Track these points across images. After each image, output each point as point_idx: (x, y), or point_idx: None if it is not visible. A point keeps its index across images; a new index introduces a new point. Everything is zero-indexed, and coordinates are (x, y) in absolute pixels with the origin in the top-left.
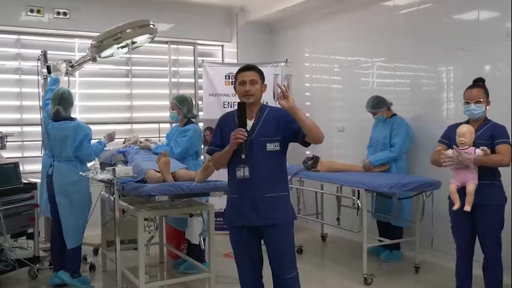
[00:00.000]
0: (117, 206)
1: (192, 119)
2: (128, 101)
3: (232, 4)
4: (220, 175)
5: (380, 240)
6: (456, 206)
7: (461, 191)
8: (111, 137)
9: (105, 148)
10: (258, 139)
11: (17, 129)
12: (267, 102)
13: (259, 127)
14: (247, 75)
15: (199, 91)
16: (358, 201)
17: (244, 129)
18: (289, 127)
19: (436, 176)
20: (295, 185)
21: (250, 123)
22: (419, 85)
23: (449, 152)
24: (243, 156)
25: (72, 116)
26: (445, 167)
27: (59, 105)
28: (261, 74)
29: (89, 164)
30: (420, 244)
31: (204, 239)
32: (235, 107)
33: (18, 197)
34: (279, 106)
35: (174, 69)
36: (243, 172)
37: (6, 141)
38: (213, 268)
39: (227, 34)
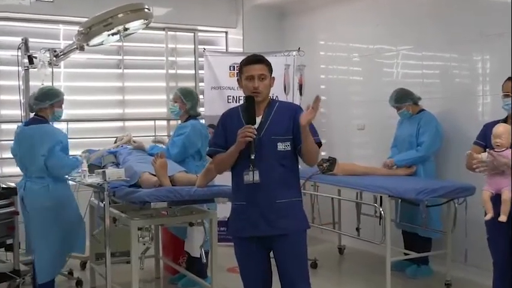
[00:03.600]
0: (107, 214)
1: (195, 117)
2: (120, 95)
3: None
4: (225, 179)
5: (406, 254)
6: (488, 216)
7: (496, 198)
8: (87, 158)
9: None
10: (267, 138)
11: None
12: (277, 97)
13: (268, 124)
14: (255, 69)
15: (200, 84)
16: (381, 209)
17: (253, 127)
18: (294, 128)
19: (469, 181)
20: (309, 190)
21: (258, 120)
22: (450, 76)
23: (484, 155)
24: (252, 157)
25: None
26: (478, 172)
27: (34, 99)
28: (269, 67)
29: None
30: (452, 258)
31: (205, 252)
32: (241, 102)
33: None
34: (290, 101)
35: (172, 59)
36: (252, 176)
37: None
38: (216, 284)
39: (232, 19)
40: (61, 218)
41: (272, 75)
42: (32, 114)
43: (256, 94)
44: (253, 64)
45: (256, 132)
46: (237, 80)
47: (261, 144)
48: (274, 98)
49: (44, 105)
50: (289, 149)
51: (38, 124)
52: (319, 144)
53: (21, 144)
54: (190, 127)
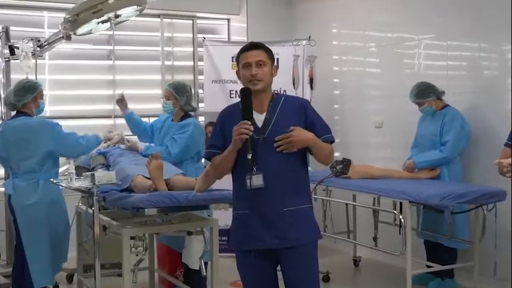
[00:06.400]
0: (96, 221)
1: (190, 113)
2: (111, 89)
3: None
4: (227, 182)
5: (428, 266)
6: None
7: None
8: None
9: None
10: (273, 138)
11: None
12: (284, 91)
13: (273, 122)
14: (251, 55)
15: (200, 77)
16: (401, 216)
17: (250, 122)
18: (304, 127)
19: (500, 185)
20: (320, 195)
21: (261, 117)
22: (478, 68)
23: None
24: (249, 157)
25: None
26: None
27: (14, 95)
28: (269, 53)
29: (61, 169)
30: (480, 271)
31: (205, 263)
32: None
33: None
34: (299, 96)
35: (168, 49)
36: (254, 180)
37: None
38: None
39: (234, 5)
40: (50, 217)
41: (274, 64)
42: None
43: (255, 82)
44: (249, 50)
45: (252, 128)
46: (236, 72)
47: (265, 145)
48: (282, 92)
49: (27, 99)
50: (295, 149)
51: (22, 117)
52: (332, 142)
53: (9, 141)
54: (193, 125)
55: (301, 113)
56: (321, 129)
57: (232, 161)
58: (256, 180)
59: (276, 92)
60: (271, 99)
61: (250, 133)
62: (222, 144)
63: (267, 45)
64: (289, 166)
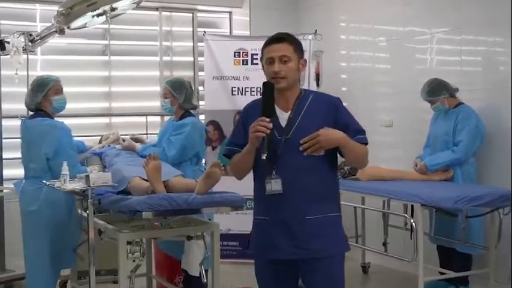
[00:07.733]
0: (91, 225)
1: (191, 111)
2: (106, 86)
3: None
4: (228, 184)
5: (441, 273)
6: None
7: None
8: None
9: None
10: (297, 140)
11: None
12: None
13: (298, 122)
14: (275, 49)
15: (200, 73)
16: (412, 220)
17: (268, 119)
18: (334, 127)
19: None
20: None
21: (285, 115)
22: (494, 64)
23: None
24: (264, 157)
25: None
26: None
27: (28, 95)
28: (296, 46)
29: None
30: (496, 278)
31: (206, 270)
32: (249, 94)
33: None
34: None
35: (167, 44)
36: (273, 185)
37: None
38: None
39: None
40: (52, 225)
41: (303, 58)
42: None
43: (278, 80)
44: (273, 44)
45: (271, 126)
46: (262, 67)
47: (289, 147)
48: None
49: (38, 99)
50: (323, 152)
51: (39, 118)
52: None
53: (23, 140)
54: (191, 125)
55: (331, 112)
56: (354, 130)
57: (250, 161)
58: (275, 185)
59: (305, 88)
60: (298, 96)
61: (268, 131)
62: (243, 141)
63: (294, 36)
64: (315, 170)
